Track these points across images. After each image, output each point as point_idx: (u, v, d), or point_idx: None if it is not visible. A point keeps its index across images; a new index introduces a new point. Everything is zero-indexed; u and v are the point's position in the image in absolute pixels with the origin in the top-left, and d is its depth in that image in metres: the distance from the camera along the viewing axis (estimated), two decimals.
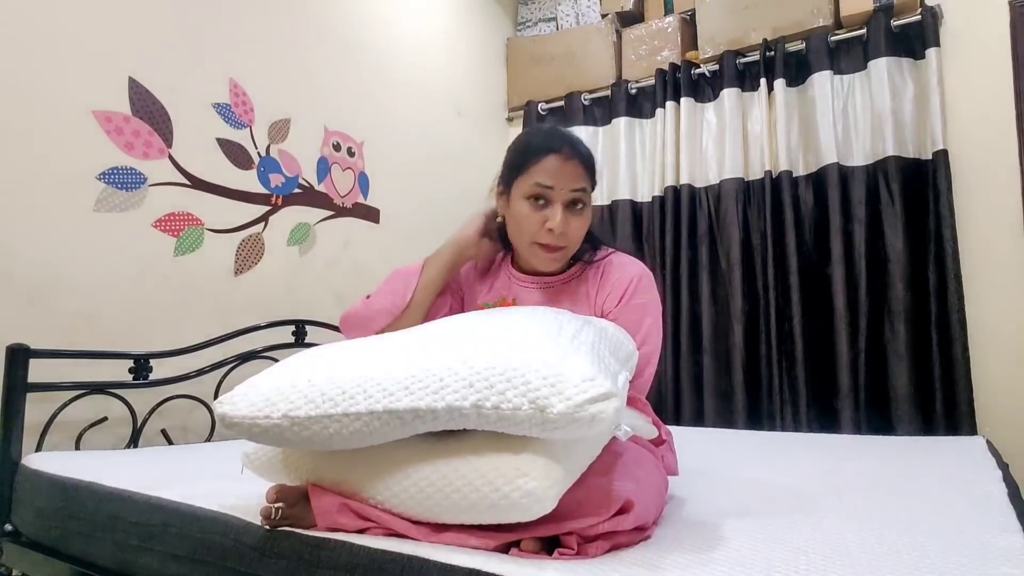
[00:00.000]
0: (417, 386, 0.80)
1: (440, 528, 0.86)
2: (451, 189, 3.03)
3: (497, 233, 1.28)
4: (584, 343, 0.85)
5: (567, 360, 0.78)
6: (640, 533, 0.89)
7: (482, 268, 1.33)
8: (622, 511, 0.84)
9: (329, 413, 0.83)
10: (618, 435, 0.89)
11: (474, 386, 0.78)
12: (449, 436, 0.86)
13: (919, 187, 2.45)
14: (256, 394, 0.89)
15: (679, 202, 2.83)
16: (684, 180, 2.83)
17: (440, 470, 0.83)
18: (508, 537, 0.83)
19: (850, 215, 2.52)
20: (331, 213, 2.50)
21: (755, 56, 2.76)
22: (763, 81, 2.72)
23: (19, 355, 1.57)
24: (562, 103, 3.22)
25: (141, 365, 1.83)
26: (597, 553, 0.82)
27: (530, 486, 0.77)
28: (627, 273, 1.21)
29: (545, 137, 1.17)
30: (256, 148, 2.26)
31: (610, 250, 1.27)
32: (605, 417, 0.74)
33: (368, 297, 1.23)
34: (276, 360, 2.16)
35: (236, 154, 2.19)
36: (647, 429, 1.01)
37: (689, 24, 3.01)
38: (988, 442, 1.78)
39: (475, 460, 0.82)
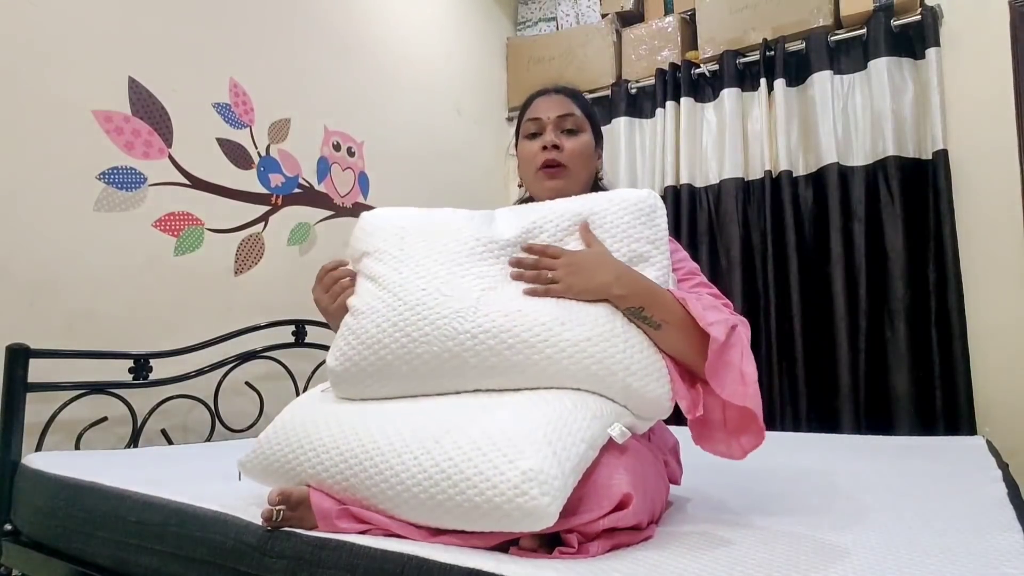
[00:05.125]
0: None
1: (439, 530, 0.86)
2: (451, 189, 3.03)
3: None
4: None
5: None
6: (641, 533, 0.89)
7: None
8: (621, 506, 0.84)
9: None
10: (613, 435, 0.89)
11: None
12: (446, 452, 0.86)
13: (919, 187, 2.45)
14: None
15: (679, 202, 2.83)
16: (684, 180, 2.83)
17: (440, 485, 0.83)
18: (508, 535, 0.83)
19: (850, 215, 2.52)
20: (331, 213, 2.50)
21: (755, 56, 2.76)
22: (763, 81, 2.72)
23: (19, 355, 1.57)
24: None
25: (141, 365, 1.83)
26: (598, 552, 0.82)
27: (530, 505, 0.77)
28: None
29: (538, 90, 1.27)
30: (256, 148, 2.26)
31: None
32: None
33: None
34: (276, 360, 2.16)
35: (236, 154, 2.19)
36: (644, 426, 1.01)
37: (689, 24, 3.01)
38: (988, 442, 1.78)
39: (473, 475, 0.81)
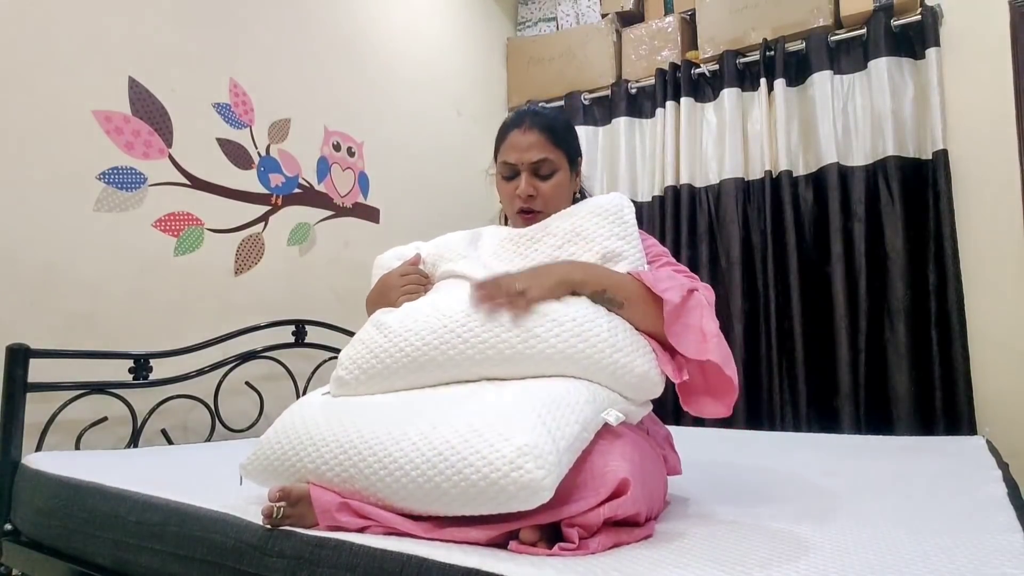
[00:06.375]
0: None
1: (440, 523, 0.87)
2: (451, 189, 3.03)
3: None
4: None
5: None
6: (641, 530, 0.89)
7: None
8: (618, 492, 0.85)
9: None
10: (608, 420, 0.91)
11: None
12: (444, 436, 0.87)
13: (919, 187, 2.45)
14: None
15: (679, 202, 2.83)
16: (684, 180, 2.83)
17: (437, 467, 0.84)
18: (508, 527, 0.84)
19: (850, 215, 2.52)
20: (331, 213, 2.50)
21: (755, 56, 2.76)
22: (763, 81, 2.72)
23: (19, 355, 1.57)
24: (562, 103, 3.22)
25: (141, 365, 1.83)
26: (598, 549, 0.82)
27: (526, 479, 0.78)
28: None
29: (513, 116, 1.27)
30: (256, 148, 2.26)
31: None
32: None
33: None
34: (276, 360, 2.17)
35: (236, 154, 2.19)
36: (637, 414, 1.05)
37: (689, 24, 3.01)
38: (988, 442, 1.78)
39: (470, 455, 0.83)
